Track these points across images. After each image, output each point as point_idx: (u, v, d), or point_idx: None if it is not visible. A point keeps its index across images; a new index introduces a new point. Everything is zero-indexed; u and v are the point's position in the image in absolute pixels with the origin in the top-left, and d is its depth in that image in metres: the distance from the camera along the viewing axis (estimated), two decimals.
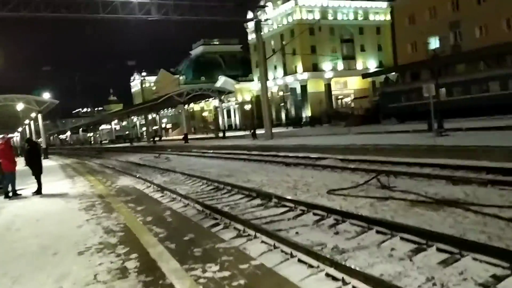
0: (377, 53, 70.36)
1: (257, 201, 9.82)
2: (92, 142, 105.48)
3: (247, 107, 70.53)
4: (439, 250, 5.14)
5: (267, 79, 34.21)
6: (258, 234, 6.56)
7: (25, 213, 9.05)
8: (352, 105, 61.27)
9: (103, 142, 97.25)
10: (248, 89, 79.63)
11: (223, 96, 53.87)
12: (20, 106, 38.22)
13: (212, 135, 59.45)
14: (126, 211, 8.27)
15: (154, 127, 76.81)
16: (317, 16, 63.32)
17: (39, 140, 39.38)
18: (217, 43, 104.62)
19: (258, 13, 34.68)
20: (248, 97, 79.41)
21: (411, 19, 43.99)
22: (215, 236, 5.95)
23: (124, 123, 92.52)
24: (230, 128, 77.94)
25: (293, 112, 68.65)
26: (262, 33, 35.41)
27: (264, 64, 33.85)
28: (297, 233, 6.73)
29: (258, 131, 38.13)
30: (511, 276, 4.31)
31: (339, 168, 13.80)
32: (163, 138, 69.66)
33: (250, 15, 57.72)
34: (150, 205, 8.80)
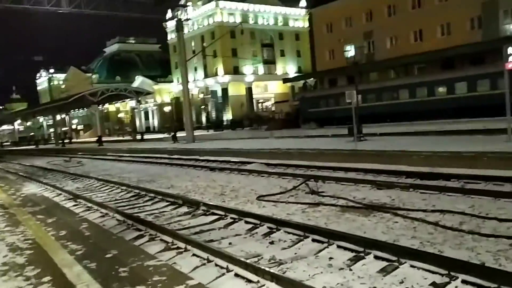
0: (296, 58, 72.45)
1: (184, 209, 9.30)
2: None
3: (167, 109, 68.77)
4: (376, 258, 5.08)
5: (187, 81, 33.43)
6: (188, 247, 6.08)
7: None
8: (273, 109, 62.41)
9: (4, 144, 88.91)
10: (167, 91, 77.77)
11: (141, 97, 51.82)
12: None
13: (128, 137, 57.04)
14: (35, 224, 7.31)
15: (64, 128, 71.83)
16: (238, 19, 63.60)
17: None
18: (134, 41, 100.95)
19: (179, 12, 33.86)
20: (167, 99, 77.53)
21: (329, 27, 45.83)
22: (141, 251, 5.38)
23: (29, 123, 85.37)
24: (148, 130, 75.39)
25: (214, 115, 68.26)
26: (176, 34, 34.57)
27: (185, 65, 33.05)
28: (230, 243, 6.36)
29: (179, 134, 37.20)
30: (449, 284, 4.32)
31: (265, 173, 13.68)
32: (74, 141, 65.41)
33: (169, 14, 56.36)
34: (62, 216, 7.89)
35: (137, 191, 12.18)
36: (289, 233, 6.48)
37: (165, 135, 52.19)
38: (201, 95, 69.03)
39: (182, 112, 72.62)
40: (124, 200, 11.26)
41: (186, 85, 32.77)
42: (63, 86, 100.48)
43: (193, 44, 67.53)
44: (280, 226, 6.74)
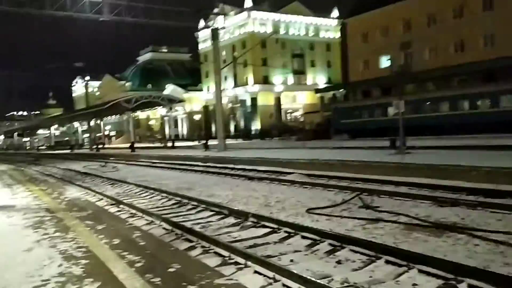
0: (326, 69, 71.87)
1: (231, 220, 8.90)
2: (28, 147, 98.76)
3: (196, 117, 69.17)
4: (471, 287, 4.52)
5: (220, 90, 33.36)
6: (249, 262, 5.66)
7: None
8: (302, 119, 61.90)
9: (40, 148, 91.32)
10: (197, 99, 78.33)
11: (172, 105, 52.24)
12: None
13: (158, 144, 57.51)
14: (85, 230, 7.07)
15: (98, 134, 73.17)
16: (270, 29, 63.65)
17: None
18: (166, 50, 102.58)
19: (212, 21, 33.88)
20: (196, 107, 78.11)
21: (363, 37, 45.17)
22: (204, 267, 5.02)
23: (64, 128, 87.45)
24: (177, 138, 75.98)
25: (242, 124, 68.22)
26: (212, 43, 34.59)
27: (219, 74, 33.01)
28: (292, 261, 5.90)
29: (210, 142, 37.08)
30: None
31: (308, 184, 13.20)
32: (106, 146, 66.47)
33: (202, 24, 56.84)
34: (111, 223, 7.64)
35: (178, 198, 11.88)
36: (356, 251, 5.98)
37: (195, 142, 52.37)
38: (230, 104, 69.11)
39: (210, 121, 73.40)
40: (166, 208, 10.97)
41: (219, 93, 32.70)
42: (97, 93, 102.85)
43: (224, 53, 67.83)
44: (344, 244, 6.25)
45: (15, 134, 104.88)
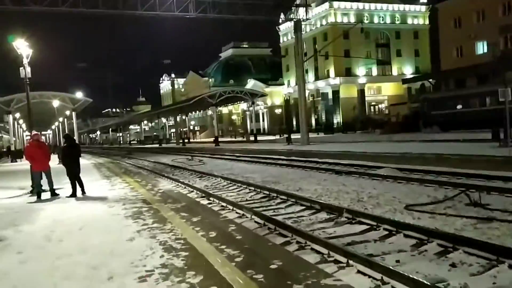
0: (414, 58, 68.06)
1: (323, 215, 8.56)
2: (121, 142, 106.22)
3: (277, 111, 69.35)
4: None
5: (304, 82, 32.89)
6: (351, 261, 5.30)
7: (65, 219, 8.06)
8: (387, 111, 59.35)
9: (131, 142, 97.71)
10: (278, 93, 78.51)
11: (255, 99, 52.84)
12: (55, 103, 38.08)
13: (240, 138, 58.55)
14: (181, 222, 7.16)
15: (183, 129, 76.46)
16: (352, 19, 61.63)
17: None
18: (247, 46, 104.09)
19: (292, 14, 33.35)
20: (277, 101, 78.35)
21: (456, 22, 41.94)
22: (306, 264, 4.76)
23: (153, 124, 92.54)
24: (258, 132, 76.90)
25: (323, 117, 67.10)
26: (294, 37, 34.17)
27: (302, 67, 32.59)
28: (398, 261, 5.44)
29: (292, 136, 36.81)
30: None
31: (402, 179, 12.40)
32: (191, 141, 69.16)
33: (282, 17, 56.57)
34: (205, 216, 7.68)
35: (266, 192, 11.78)
36: (471, 254, 5.35)
37: (277, 136, 52.49)
38: (311, 98, 68.24)
39: (291, 115, 73.17)
40: (255, 201, 10.90)
41: (302, 86, 32.31)
42: (182, 90, 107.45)
43: (305, 46, 67.10)
44: (456, 245, 5.63)
45: (110, 129, 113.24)
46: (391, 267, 4.79)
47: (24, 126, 54.50)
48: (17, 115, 43.37)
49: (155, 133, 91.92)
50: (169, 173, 19.65)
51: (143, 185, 13.15)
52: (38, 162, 11.14)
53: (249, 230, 6.88)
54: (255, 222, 8.36)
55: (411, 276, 4.50)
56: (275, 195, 11.22)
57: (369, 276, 4.83)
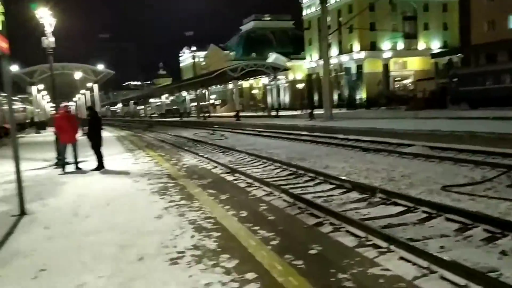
0: (442, 32, 65.61)
1: (355, 195, 8.22)
2: (142, 115, 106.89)
3: (299, 86, 68.33)
4: None
5: (328, 56, 32.01)
6: (392, 247, 4.97)
7: (91, 194, 7.92)
8: (412, 87, 57.79)
9: (152, 115, 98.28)
10: (299, 68, 77.18)
11: (277, 73, 52.00)
12: (77, 75, 38.15)
13: (261, 113, 58.05)
14: (209, 199, 6.93)
15: (203, 103, 76.30)
16: None
17: None
18: (269, 19, 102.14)
19: None
20: (299, 76, 77.16)
21: None
22: (345, 248, 4.46)
23: (173, 97, 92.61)
24: (279, 107, 76.18)
25: (346, 93, 65.85)
26: (318, 9, 33.13)
27: (326, 39, 31.69)
28: (442, 247, 5.09)
29: (314, 112, 36.17)
30: None
31: (434, 157, 11.90)
32: (211, 115, 69.01)
33: None
34: (232, 193, 7.43)
35: (292, 169, 11.46)
36: None
37: (298, 112, 51.84)
38: (334, 73, 66.86)
39: (313, 90, 72.05)
40: (282, 178, 10.62)
41: (327, 60, 31.49)
42: (203, 63, 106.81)
43: (329, 19, 65.29)
44: (506, 231, 5.24)
45: (131, 102, 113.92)
46: (437, 254, 4.45)
47: (47, 97, 55.13)
48: (41, 86, 43.70)
49: (175, 107, 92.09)
50: (192, 147, 19.49)
51: (167, 159, 12.98)
52: (66, 134, 11.03)
53: (280, 209, 6.60)
54: (284, 200, 8.09)
55: (462, 263, 4.16)
56: (302, 172, 10.91)
57: (414, 263, 4.51)
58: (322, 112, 32.40)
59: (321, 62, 53.73)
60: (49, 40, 14.98)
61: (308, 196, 8.18)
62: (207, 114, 61.00)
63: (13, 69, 37.40)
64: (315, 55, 71.41)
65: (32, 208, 6.73)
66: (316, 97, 68.46)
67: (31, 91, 45.18)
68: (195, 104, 77.20)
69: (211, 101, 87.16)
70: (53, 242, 5.06)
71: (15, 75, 38.03)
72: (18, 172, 6.49)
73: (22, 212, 6.41)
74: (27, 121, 44.99)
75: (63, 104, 12.05)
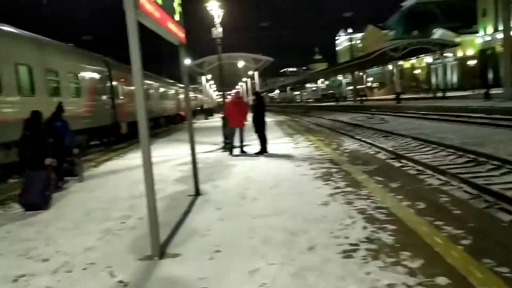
0: None
1: None
2: (298, 100, 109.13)
3: (470, 63, 61.08)
4: None
5: (509, 27, 27.52)
6: None
7: (256, 177, 8.06)
8: None
9: (308, 100, 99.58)
10: (471, 43, 68.75)
11: (445, 50, 47.20)
12: (240, 64, 40.49)
13: (424, 95, 53.67)
14: (377, 187, 6.37)
15: (359, 86, 74.04)
16: None
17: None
18: None
19: None
20: (468, 52, 68.88)
21: None
22: None
23: (328, 82, 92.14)
24: (446, 87, 69.36)
25: None
26: None
27: (508, 7, 27.30)
28: None
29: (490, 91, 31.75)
30: None
31: None
32: (368, 98, 66.53)
33: None
34: (403, 181, 6.72)
35: (471, 156, 10.07)
36: None
37: (468, 92, 46.40)
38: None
39: (488, 67, 63.54)
40: (458, 166, 9.40)
41: (508, 31, 27.20)
42: (360, 45, 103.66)
43: None
44: None
45: (287, 88, 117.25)
46: None
47: (213, 86, 60.08)
48: (209, 76, 47.70)
49: (331, 91, 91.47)
50: (351, 132, 18.90)
51: (327, 144, 12.68)
52: (234, 119, 11.58)
53: (464, 202, 5.70)
54: (465, 191, 7.07)
55: None
56: (483, 159, 9.49)
57: None
58: (501, 91, 28.26)
59: (498, 35, 47.08)
60: (218, 31, 16.01)
61: (496, 188, 7.00)
62: (364, 98, 59.01)
63: (186, 62, 41.51)
64: (490, 28, 62.72)
65: (205, 189, 7.10)
66: (491, 75, 60.31)
67: (201, 81, 49.59)
68: (351, 88, 75.50)
69: (368, 84, 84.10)
70: (225, 223, 5.17)
71: (188, 66, 42.19)
72: (193, 155, 6.89)
73: (197, 193, 6.80)
74: (198, 108, 49.72)
75: (235, 91, 12.74)
